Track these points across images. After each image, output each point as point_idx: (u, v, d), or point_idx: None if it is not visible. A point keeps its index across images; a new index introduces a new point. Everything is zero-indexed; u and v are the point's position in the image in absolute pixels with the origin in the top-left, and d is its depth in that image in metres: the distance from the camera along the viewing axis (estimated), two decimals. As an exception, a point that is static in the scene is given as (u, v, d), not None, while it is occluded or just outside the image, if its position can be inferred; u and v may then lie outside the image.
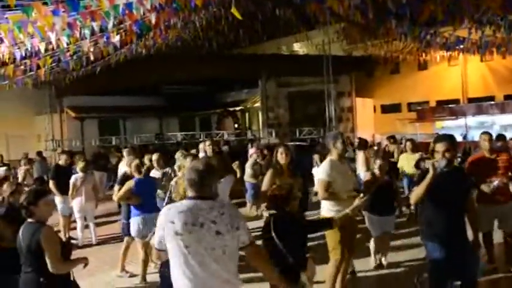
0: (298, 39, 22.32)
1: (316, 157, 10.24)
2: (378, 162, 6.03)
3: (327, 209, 4.87)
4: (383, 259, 6.20)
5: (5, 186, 6.04)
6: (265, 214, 3.91)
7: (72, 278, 3.68)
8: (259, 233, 3.96)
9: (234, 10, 6.69)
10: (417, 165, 7.09)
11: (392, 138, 10.42)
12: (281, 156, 6.05)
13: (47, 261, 3.39)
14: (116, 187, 6.94)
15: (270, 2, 11.45)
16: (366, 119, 24.37)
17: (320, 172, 4.88)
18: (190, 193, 2.84)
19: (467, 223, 4.01)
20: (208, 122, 27.28)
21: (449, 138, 3.88)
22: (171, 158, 7.34)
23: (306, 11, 10.39)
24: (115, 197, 6.72)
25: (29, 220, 3.55)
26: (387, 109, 26.72)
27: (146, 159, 7.85)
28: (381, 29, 11.05)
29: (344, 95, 22.63)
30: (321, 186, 4.82)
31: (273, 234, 3.62)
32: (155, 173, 7.33)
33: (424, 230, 4.06)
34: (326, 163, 4.92)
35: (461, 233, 3.89)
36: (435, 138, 3.98)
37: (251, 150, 10.73)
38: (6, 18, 6.36)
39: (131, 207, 6.24)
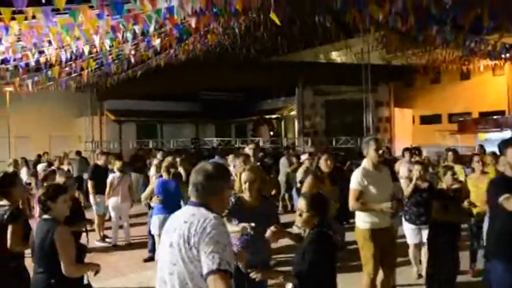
0: (337, 47, 22.14)
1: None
2: (416, 167, 5.86)
3: (361, 221, 4.71)
4: (422, 270, 6.03)
5: (57, 176, 6.25)
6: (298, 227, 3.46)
7: (86, 281, 3.49)
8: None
9: (273, 15, 6.70)
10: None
11: (416, 150, 9.93)
12: (325, 164, 5.99)
13: (61, 263, 3.21)
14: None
15: (309, 9, 11.40)
16: (405, 129, 23.84)
17: (352, 181, 4.71)
18: (191, 197, 2.39)
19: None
20: (244, 128, 27.42)
21: None
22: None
23: (346, 18, 10.27)
24: (142, 196, 6.91)
25: (45, 217, 3.40)
26: (426, 120, 26.10)
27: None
28: (422, 37, 10.80)
29: (382, 105, 22.25)
30: (351, 195, 4.66)
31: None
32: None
33: (493, 247, 3.80)
34: (357, 171, 4.74)
35: None
36: (504, 143, 3.81)
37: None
38: (55, 21, 6.60)
39: (155, 206, 6.41)
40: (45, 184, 6.43)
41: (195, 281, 2.15)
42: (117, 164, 8.57)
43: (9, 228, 3.91)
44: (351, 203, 4.67)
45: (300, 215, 3.21)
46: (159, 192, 6.36)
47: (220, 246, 2.11)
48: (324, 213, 3.23)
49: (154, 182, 6.78)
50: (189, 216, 2.23)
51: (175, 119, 25.45)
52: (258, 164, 6.90)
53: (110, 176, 8.43)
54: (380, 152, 4.70)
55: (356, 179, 4.64)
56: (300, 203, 3.25)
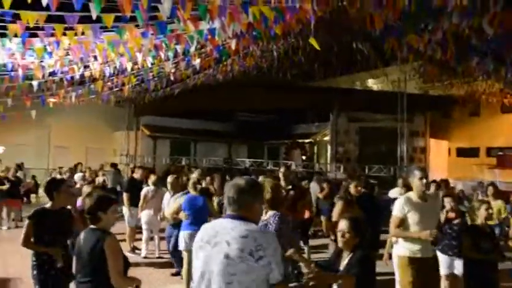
0: (373, 75, 22.09)
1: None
2: (447, 199, 5.79)
3: (400, 247, 4.71)
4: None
5: (85, 187, 6.49)
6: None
7: None
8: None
9: (312, 40, 6.81)
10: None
11: (444, 182, 9.41)
12: (355, 189, 6.06)
13: (110, 272, 3.20)
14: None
15: (348, 36, 11.50)
16: (440, 161, 23.34)
17: (394, 208, 4.77)
18: (227, 210, 2.56)
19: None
20: (276, 151, 27.46)
21: None
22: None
23: (383, 46, 10.30)
24: (169, 212, 6.98)
25: (92, 227, 3.40)
26: (463, 153, 25.43)
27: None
28: (461, 67, 10.68)
29: (417, 135, 21.93)
30: (392, 222, 4.72)
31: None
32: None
33: None
34: (401, 199, 4.80)
35: None
36: None
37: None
38: (102, 38, 6.92)
39: (183, 221, 6.47)
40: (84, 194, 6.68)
41: (260, 287, 2.39)
42: (152, 178, 8.75)
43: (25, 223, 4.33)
44: (391, 229, 4.73)
45: (343, 236, 3.32)
46: (186, 208, 6.43)
47: (281, 256, 2.48)
48: (364, 236, 3.33)
49: (177, 201, 6.81)
50: (245, 231, 2.39)
51: (208, 138, 25.79)
52: (291, 187, 6.95)
53: (145, 189, 8.60)
54: (425, 181, 4.66)
55: (397, 206, 4.68)
56: (343, 225, 3.36)
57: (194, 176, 7.27)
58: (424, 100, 20.44)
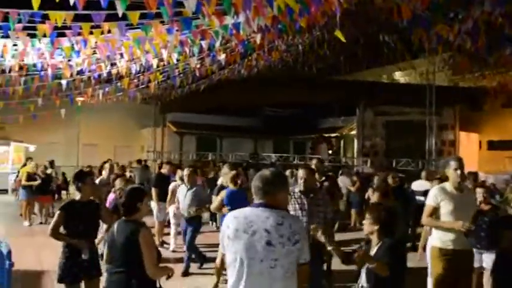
0: (401, 67, 21.69)
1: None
2: (479, 190, 5.62)
3: (433, 237, 4.64)
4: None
5: (117, 181, 6.60)
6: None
7: (158, 285, 3.53)
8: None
9: (337, 33, 6.71)
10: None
11: (472, 174, 9.04)
12: (392, 180, 6.14)
13: (146, 264, 3.27)
14: (213, 197, 7.25)
15: (374, 27, 11.30)
16: (470, 154, 22.69)
17: (428, 197, 4.69)
18: (255, 200, 2.71)
19: None
20: (302, 146, 27.35)
21: None
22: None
23: (411, 37, 10.09)
24: (212, 207, 6.98)
25: (125, 218, 3.47)
26: (495, 146, 24.68)
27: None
28: (493, 58, 10.36)
29: (446, 128, 21.41)
30: (425, 210, 4.64)
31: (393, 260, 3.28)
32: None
33: None
34: (435, 188, 4.71)
35: None
36: None
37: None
38: (128, 35, 7.00)
39: (222, 216, 6.48)
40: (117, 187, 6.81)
41: (294, 267, 2.60)
42: (179, 173, 8.82)
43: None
44: (424, 218, 4.67)
45: (368, 223, 3.45)
46: (228, 202, 6.40)
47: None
48: (389, 224, 3.40)
49: (218, 196, 6.80)
50: (280, 217, 2.59)
51: (234, 133, 25.86)
52: (324, 178, 6.94)
53: (172, 184, 8.70)
54: (459, 172, 4.54)
55: (431, 196, 4.61)
56: (367, 213, 3.53)
57: (227, 170, 7.21)
58: (454, 92, 19.95)
